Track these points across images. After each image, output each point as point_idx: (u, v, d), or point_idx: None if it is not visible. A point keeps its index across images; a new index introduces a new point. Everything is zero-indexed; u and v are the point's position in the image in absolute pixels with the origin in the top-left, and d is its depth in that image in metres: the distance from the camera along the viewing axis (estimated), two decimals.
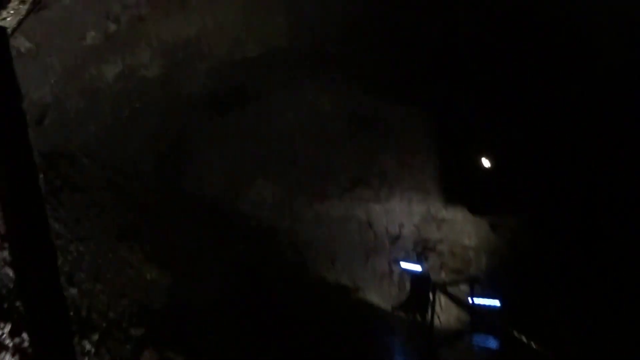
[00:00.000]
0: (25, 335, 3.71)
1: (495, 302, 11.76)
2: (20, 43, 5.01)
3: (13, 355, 3.67)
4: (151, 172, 9.00)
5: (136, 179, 8.28)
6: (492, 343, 9.11)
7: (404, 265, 12.70)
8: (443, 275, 13.08)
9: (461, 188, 12.49)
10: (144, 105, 7.74)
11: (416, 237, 13.18)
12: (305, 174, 12.08)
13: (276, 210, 12.22)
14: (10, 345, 3.69)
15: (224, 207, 10.42)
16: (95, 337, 4.66)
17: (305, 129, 11.54)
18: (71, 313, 4.51)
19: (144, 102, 7.69)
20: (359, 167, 12.53)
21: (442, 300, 12.78)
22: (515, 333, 5.02)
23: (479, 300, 11.14)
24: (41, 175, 5.46)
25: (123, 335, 4.87)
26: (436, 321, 12.09)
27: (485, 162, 12.33)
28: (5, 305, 3.89)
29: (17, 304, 3.85)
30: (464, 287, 12.75)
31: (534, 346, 4.90)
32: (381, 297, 12.34)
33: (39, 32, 5.16)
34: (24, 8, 3.78)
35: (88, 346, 4.50)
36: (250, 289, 7.65)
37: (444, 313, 12.75)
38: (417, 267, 12.71)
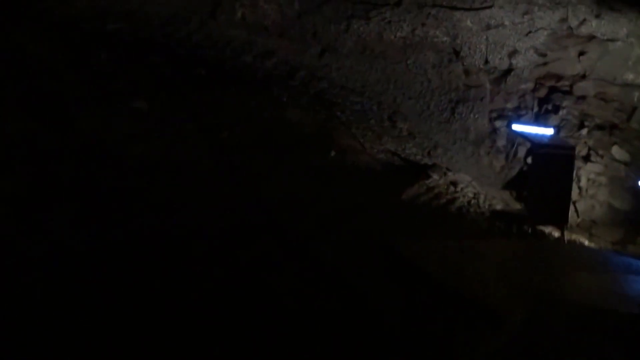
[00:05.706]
0: None
1: None
2: None
3: None
4: None
5: None
6: None
7: (517, 127, 7.03)
8: (584, 133, 7.72)
9: None
10: None
11: (539, 72, 7.69)
12: None
13: (293, 42, 7.11)
14: None
15: None
16: None
17: None
18: None
19: None
20: None
21: (582, 180, 7.55)
22: None
23: None
24: None
25: None
26: (573, 218, 7.03)
27: None
28: None
29: None
30: (622, 154, 7.56)
31: None
32: (476, 176, 7.17)
33: None
34: None
35: None
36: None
37: (586, 205, 7.54)
38: (539, 130, 7.01)
